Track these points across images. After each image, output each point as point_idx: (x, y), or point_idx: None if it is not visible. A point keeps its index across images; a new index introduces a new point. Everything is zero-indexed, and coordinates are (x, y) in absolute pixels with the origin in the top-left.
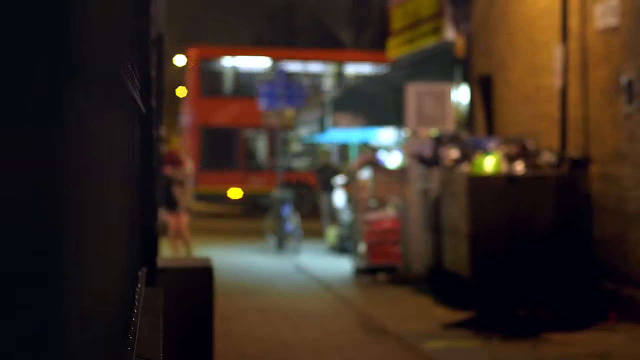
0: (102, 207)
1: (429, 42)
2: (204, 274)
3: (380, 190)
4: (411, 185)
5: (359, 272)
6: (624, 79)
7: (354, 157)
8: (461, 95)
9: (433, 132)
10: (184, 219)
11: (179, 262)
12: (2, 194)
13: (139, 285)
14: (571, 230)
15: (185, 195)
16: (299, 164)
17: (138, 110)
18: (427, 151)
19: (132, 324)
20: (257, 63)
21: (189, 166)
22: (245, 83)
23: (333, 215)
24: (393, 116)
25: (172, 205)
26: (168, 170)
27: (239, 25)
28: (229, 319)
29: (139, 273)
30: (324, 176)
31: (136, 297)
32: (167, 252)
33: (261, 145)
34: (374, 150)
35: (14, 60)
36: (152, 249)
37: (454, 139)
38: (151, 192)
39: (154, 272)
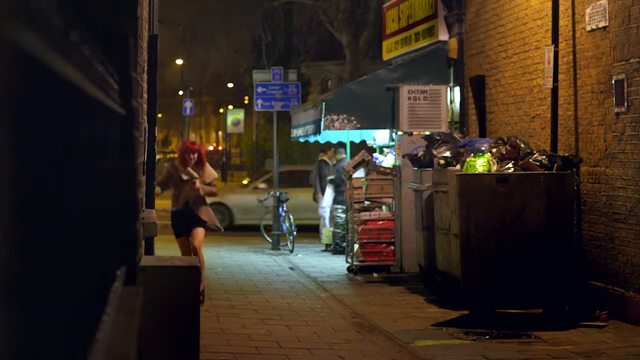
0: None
1: (422, 44)
2: (190, 273)
3: (374, 190)
4: (404, 185)
5: (353, 271)
6: (613, 80)
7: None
8: (454, 95)
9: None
10: (200, 236)
11: (165, 261)
12: None
13: (116, 284)
14: (561, 230)
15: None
16: None
17: (113, 112)
18: (420, 151)
19: (102, 322)
20: None
21: (213, 172)
22: None
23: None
24: (387, 117)
25: (182, 225)
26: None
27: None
28: (224, 317)
29: (117, 272)
30: (321, 176)
31: (110, 295)
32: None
33: None
34: (369, 149)
35: None
36: (132, 248)
37: (446, 140)
38: (133, 191)
39: (134, 271)
